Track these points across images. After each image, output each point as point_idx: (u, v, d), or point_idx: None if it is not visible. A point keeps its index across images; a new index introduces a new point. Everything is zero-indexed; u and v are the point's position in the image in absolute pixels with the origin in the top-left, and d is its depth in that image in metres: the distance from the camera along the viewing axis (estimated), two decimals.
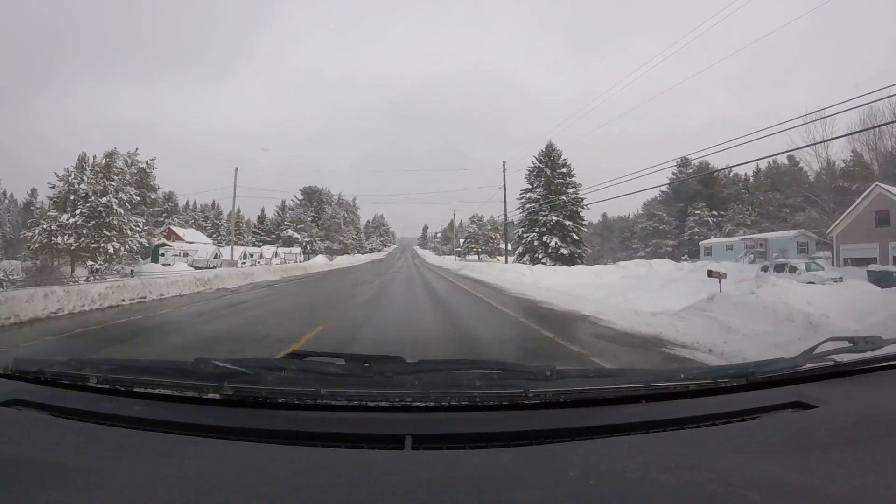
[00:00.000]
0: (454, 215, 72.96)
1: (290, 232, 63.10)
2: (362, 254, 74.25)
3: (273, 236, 67.44)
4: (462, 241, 74.73)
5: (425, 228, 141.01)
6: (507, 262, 35.28)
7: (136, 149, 42.57)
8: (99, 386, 1.05)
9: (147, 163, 42.15)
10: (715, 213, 51.14)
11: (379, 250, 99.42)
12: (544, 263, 34.46)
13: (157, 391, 1.02)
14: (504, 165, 34.75)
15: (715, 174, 51.11)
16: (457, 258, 66.31)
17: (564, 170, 40.44)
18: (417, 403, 0.96)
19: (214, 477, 0.75)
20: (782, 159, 51.30)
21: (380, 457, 0.83)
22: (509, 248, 39.44)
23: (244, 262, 41.36)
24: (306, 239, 61.56)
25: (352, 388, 1.00)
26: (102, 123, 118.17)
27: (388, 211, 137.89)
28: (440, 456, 0.84)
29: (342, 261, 51.04)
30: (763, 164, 52.21)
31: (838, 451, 0.84)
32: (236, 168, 34.60)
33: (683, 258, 38.15)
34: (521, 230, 41.14)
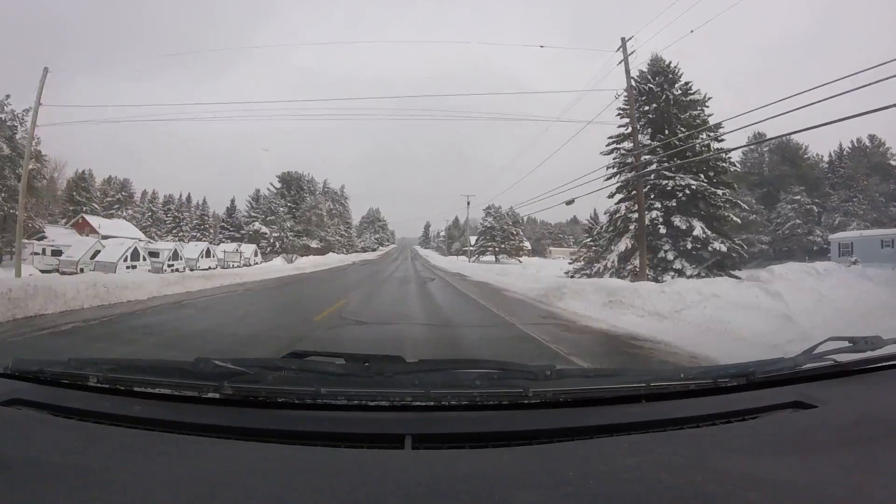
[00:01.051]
0: (468, 203, 50.02)
1: (256, 225, 49.71)
2: (347, 253, 58.40)
3: (243, 232, 55.10)
4: (474, 238, 60.46)
5: (427, 226, 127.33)
6: (643, 270, 14.83)
7: (8, 96, 28.84)
8: (99, 386, 1.03)
9: (14, 114, 28.37)
10: (809, 200, 38.39)
11: (373, 249, 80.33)
12: (678, 271, 17.17)
13: (157, 391, 1.01)
14: (624, 45, 14.18)
15: (802, 152, 38.03)
16: (471, 260, 50.39)
17: (696, 96, 20.13)
18: (417, 403, 0.96)
19: (214, 476, 0.75)
20: (863, 138, 39.46)
21: (380, 456, 0.83)
22: (574, 246, 22.96)
23: (130, 267, 25.11)
24: (275, 234, 48.11)
25: (352, 387, 0.99)
26: (101, 120, 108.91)
27: (388, 211, 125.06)
28: (440, 456, 0.85)
29: (308, 263, 33.75)
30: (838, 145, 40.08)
31: (838, 451, 0.84)
32: (45, 69, 16.75)
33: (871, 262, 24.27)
34: (622, 205, 20.09)
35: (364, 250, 70.86)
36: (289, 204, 55.52)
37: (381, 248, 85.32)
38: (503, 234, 55.21)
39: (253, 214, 53.43)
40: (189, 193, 64.52)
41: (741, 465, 0.78)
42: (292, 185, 57.63)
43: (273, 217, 49.81)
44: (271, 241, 47.93)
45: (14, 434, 0.90)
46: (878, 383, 1.15)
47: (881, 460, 0.82)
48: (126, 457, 0.81)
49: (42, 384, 1.08)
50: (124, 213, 64.80)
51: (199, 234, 67.04)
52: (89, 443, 0.86)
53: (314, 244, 51.69)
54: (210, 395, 0.97)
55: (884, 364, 1.18)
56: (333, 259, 42.38)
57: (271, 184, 57.11)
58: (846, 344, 1.19)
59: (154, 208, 70.71)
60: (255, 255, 41.03)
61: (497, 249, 54.66)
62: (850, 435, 0.91)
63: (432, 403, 0.96)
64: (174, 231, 64.81)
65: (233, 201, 67.56)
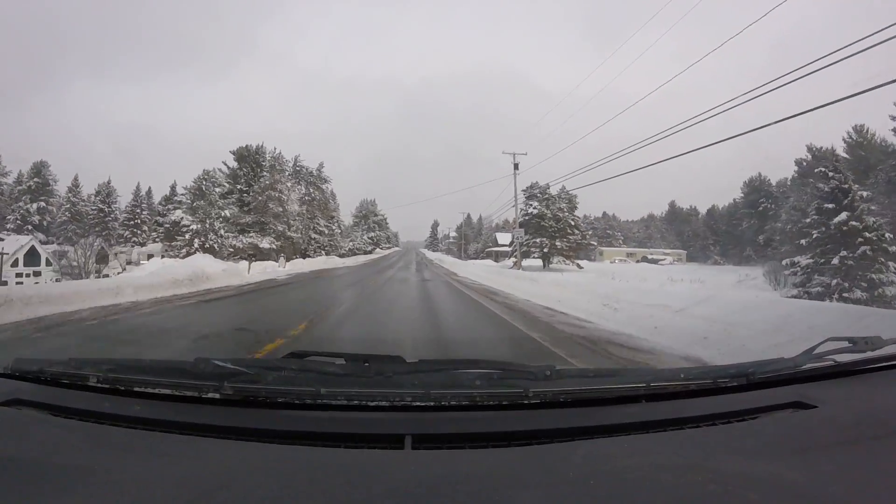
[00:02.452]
0: (515, 167, 24.20)
1: (178, 214, 32.37)
2: (318, 256, 39.29)
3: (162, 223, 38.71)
4: (508, 237, 41.61)
5: (435, 226, 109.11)
6: None
7: None
8: (99, 385, 1.04)
9: None
10: None
11: (366, 252, 59.47)
12: None
13: (157, 391, 1.01)
14: None
15: None
16: (514, 265, 27.32)
17: None
18: (417, 403, 0.96)
19: (214, 476, 0.75)
20: None
21: (380, 457, 0.83)
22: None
23: None
24: (194, 227, 30.85)
25: (352, 387, 0.99)
26: (103, 124, 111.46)
27: (393, 215, 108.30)
28: (440, 456, 0.85)
29: (156, 275, 11.49)
30: None
31: (838, 451, 0.84)
32: None
33: None
34: None
35: (353, 253, 51.62)
36: (240, 188, 37.97)
37: (378, 250, 65.45)
38: (557, 227, 36.71)
39: (179, 200, 35.99)
40: (139, 183, 49.86)
41: (741, 465, 0.78)
42: (250, 162, 40.04)
43: (201, 202, 32.36)
44: (187, 237, 30.58)
45: (14, 434, 0.90)
46: (878, 383, 1.15)
47: (881, 460, 0.82)
48: (126, 457, 0.81)
49: (42, 384, 1.07)
50: (32, 206, 48.41)
51: (128, 234, 50.23)
52: (89, 443, 0.86)
53: (266, 243, 34.06)
54: (210, 395, 0.96)
55: (884, 364, 1.18)
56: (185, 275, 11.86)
57: (224, 163, 39.61)
58: (846, 344, 1.19)
59: (75, 199, 53.23)
60: (124, 259, 23.31)
61: (548, 249, 36.07)
62: (850, 435, 0.91)
63: (432, 403, 0.96)
64: (97, 228, 48.34)
65: (173, 187, 49.67)
